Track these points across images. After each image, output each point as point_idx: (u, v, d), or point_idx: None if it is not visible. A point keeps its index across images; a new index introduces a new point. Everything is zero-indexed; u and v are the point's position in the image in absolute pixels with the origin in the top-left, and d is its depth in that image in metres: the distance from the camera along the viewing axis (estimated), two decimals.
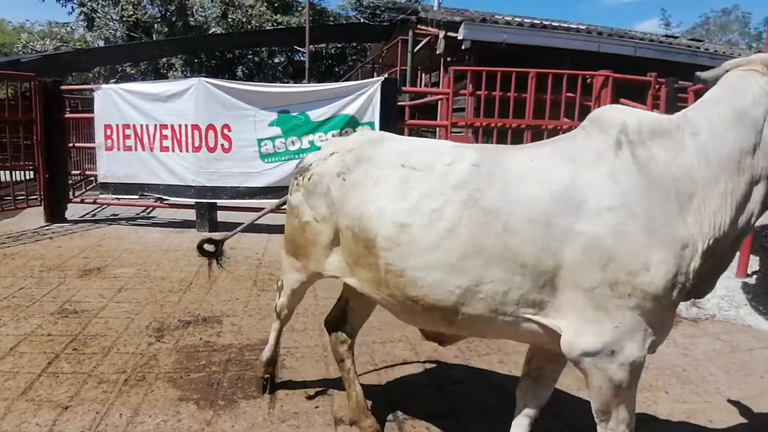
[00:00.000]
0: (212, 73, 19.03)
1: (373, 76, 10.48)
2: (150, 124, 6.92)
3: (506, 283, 1.72)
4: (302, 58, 20.52)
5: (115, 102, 7.03)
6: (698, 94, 6.08)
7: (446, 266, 1.79)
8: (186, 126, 6.72)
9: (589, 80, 6.94)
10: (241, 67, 23.45)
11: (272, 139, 6.54)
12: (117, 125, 7.07)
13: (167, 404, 2.62)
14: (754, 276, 4.58)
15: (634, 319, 1.60)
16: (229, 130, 6.63)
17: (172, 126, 6.82)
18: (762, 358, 3.52)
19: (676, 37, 14.36)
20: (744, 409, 2.80)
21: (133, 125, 6.99)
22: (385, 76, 6.51)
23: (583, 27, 10.40)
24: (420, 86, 11.95)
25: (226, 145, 6.66)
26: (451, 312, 1.83)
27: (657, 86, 6.86)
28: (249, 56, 23.67)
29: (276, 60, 25.47)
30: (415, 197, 1.88)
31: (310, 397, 2.71)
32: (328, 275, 2.29)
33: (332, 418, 2.54)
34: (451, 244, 1.77)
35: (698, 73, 1.93)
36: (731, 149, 1.65)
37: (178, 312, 3.93)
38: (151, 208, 8.27)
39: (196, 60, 21.68)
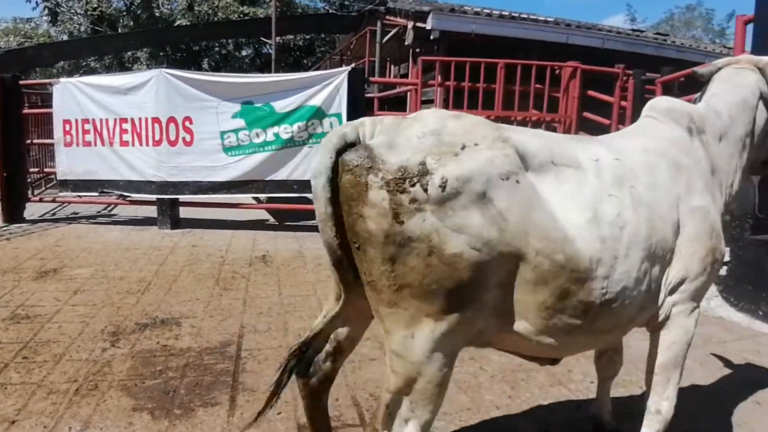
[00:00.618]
0: (178, 66, 18.56)
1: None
2: (110, 118, 6.69)
3: (657, 274, 1.76)
4: (270, 50, 20.16)
5: (74, 96, 6.78)
6: (665, 86, 6.09)
7: (636, 276, 1.66)
8: (146, 119, 6.50)
9: (557, 71, 6.93)
10: (207, 59, 22.94)
11: (236, 131, 6.36)
12: (76, 120, 6.84)
13: (120, 415, 2.47)
14: (725, 268, 4.60)
15: (714, 277, 1.92)
16: (191, 123, 6.43)
17: (132, 119, 6.61)
18: (735, 350, 3.50)
19: (643, 31, 14.52)
20: (721, 403, 2.78)
21: (93, 119, 6.76)
22: (352, 66, 6.36)
23: (551, 19, 10.42)
24: (389, 78, 11.82)
25: (188, 138, 6.46)
26: (627, 324, 1.78)
27: (625, 78, 6.89)
28: (215, 48, 23.16)
29: (243, 52, 25.02)
30: (591, 202, 1.61)
31: (273, 405, 2.58)
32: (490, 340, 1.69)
33: (295, 425, 2.43)
34: (637, 251, 1.65)
35: (695, 69, 2.32)
36: (742, 131, 2.06)
37: (136, 314, 3.75)
38: (112, 206, 8.00)
39: (161, 53, 21.12)
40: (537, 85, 6.70)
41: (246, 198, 7.14)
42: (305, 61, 23.75)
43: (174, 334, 3.41)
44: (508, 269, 1.49)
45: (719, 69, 2.23)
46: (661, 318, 1.84)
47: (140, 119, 6.52)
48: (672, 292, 1.80)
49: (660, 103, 2.06)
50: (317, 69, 17.94)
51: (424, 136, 1.46)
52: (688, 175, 1.84)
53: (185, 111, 6.39)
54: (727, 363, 3.29)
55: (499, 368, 2.98)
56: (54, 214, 7.56)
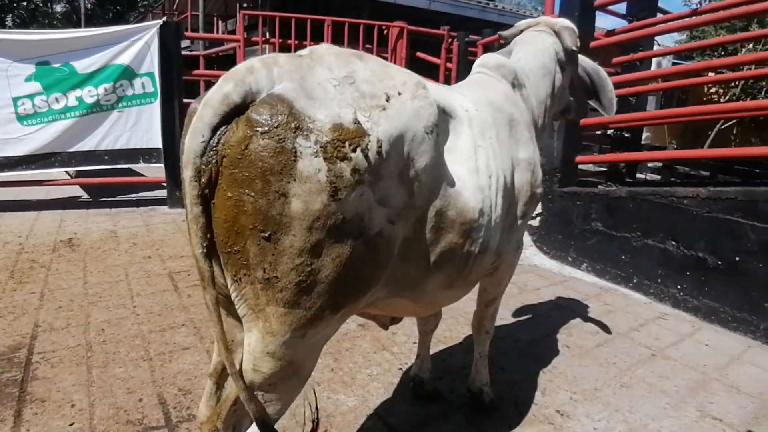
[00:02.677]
0: None
1: None
2: None
3: (506, 221, 1.83)
4: (87, 4, 17.87)
5: None
6: (487, 48, 6.31)
7: (499, 223, 1.73)
8: None
9: (385, 31, 6.90)
10: (11, 15, 19.71)
11: (31, 96, 5.46)
12: None
13: None
14: (538, 218, 4.98)
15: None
16: None
17: None
18: (548, 295, 3.81)
19: None
20: (534, 350, 2.97)
21: None
22: (163, 20, 5.74)
23: None
24: (217, 34, 11.03)
25: None
26: (487, 270, 1.88)
27: (450, 40, 7.07)
28: (22, 3, 19.97)
29: (56, 7, 21.91)
30: (467, 152, 1.58)
31: (65, 415, 2.25)
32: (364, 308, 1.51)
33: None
34: (500, 199, 1.70)
35: (501, 32, 2.45)
36: (544, 93, 2.18)
37: None
38: None
39: None
40: (366, 45, 6.63)
41: (59, 173, 6.24)
42: (127, 17, 21.44)
43: None
44: (407, 235, 1.35)
45: (521, 31, 2.36)
46: (496, 262, 1.94)
47: None
48: (506, 236, 1.89)
49: (490, 59, 2.11)
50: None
51: (339, 84, 1.19)
52: (517, 129, 1.92)
53: None
54: (539, 310, 3.56)
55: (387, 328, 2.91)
56: None
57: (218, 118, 1.09)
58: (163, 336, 2.91)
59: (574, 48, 2.23)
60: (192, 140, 1.09)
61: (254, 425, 1.27)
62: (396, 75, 1.33)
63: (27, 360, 2.67)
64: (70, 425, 2.19)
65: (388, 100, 1.25)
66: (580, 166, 4.91)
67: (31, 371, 2.56)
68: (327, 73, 1.20)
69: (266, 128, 1.07)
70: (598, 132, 6.37)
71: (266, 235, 1.10)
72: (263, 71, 1.14)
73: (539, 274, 4.36)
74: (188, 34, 7.29)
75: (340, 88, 1.19)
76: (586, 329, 3.27)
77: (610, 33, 4.95)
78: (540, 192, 2.02)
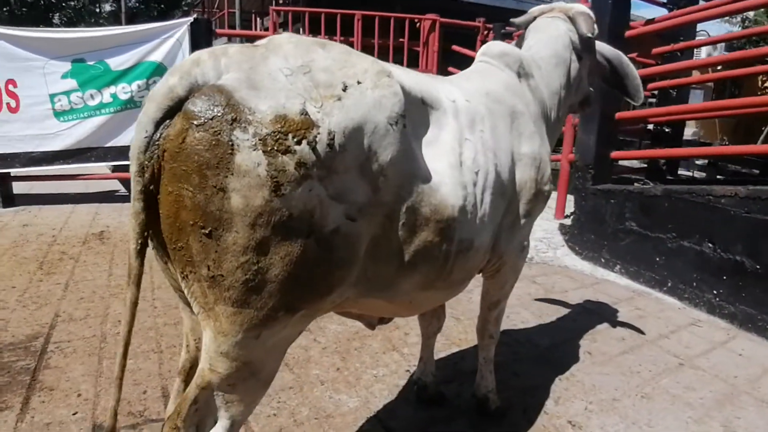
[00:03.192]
0: (24, 23, 16.37)
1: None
2: None
3: (499, 219, 1.74)
4: (132, 3, 18.37)
5: None
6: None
7: (487, 221, 1.62)
8: None
9: (417, 24, 6.79)
10: (58, 14, 20.51)
11: (67, 93, 5.63)
12: None
13: None
14: (570, 218, 4.80)
15: (536, 217, 2.02)
16: (15, 86, 5.59)
17: None
18: (575, 299, 3.63)
19: None
20: (552, 355, 2.83)
21: None
22: (194, 17, 5.82)
23: None
24: (256, 31, 11.15)
25: (13, 104, 5.62)
26: (474, 272, 1.77)
27: (486, 32, 6.91)
28: (69, 2, 20.75)
29: (103, 6, 22.65)
30: (450, 146, 1.49)
31: (70, 404, 2.28)
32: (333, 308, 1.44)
33: (90, 426, 2.15)
34: (488, 196, 1.60)
35: (513, 19, 2.30)
36: (557, 84, 2.06)
37: None
38: None
39: (5, 8, 18.50)
40: (400, 39, 6.56)
41: (99, 167, 6.42)
42: (172, 15, 21.99)
43: None
44: (375, 233, 1.28)
45: (534, 18, 2.23)
46: (496, 263, 1.88)
47: None
48: (507, 235, 1.82)
49: (493, 47, 2.00)
50: None
51: (292, 73, 1.13)
52: (520, 121, 1.81)
53: (7, 73, 5.53)
54: (564, 313, 3.40)
55: (334, 338, 2.86)
56: None
57: (161, 113, 1.06)
58: (176, 329, 2.93)
59: (590, 35, 2.09)
60: (136, 135, 1.07)
61: (218, 425, 1.23)
62: (358, 63, 1.25)
63: (42, 349, 2.74)
64: (74, 414, 2.22)
65: (345, 89, 1.17)
66: (620, 162, 4.69)
67: (45, 360, 2.61)
68: (281, 63, 1.14)
69: (201, 120, 1.02)
70: (640, 126, 6.10)
71: (207, 231, 1.05)
72: (210, 62, 1.10)
73: (569, 275, 4.19)
74: (219, 31, 7.37)
75: (292, 77, 1.12)
76: (612, 335, 3.10)
77: (650, 22, 4.70)
78: (548, 189, 1.90)
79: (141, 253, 1.13)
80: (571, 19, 2.14)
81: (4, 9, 18.62)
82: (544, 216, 5.35)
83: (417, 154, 1.36)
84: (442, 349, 2.78)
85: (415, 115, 1.38)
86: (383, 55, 6.50)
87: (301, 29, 6.38)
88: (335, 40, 6.12)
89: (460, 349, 2.83)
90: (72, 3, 20.71)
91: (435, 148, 1.44)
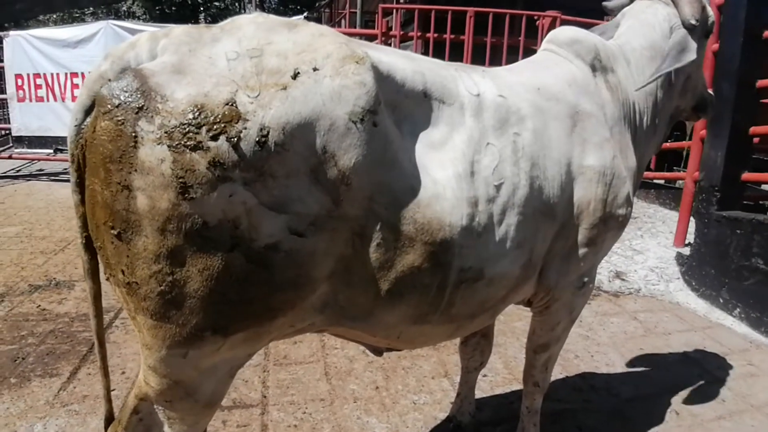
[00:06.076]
0: (173, 21, 18.05)
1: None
2: (60, 73, 6.50)
3: (539, 245, 1.41)
4: (272, 3, 19.47)
5: (25, 50, 6.56)
6: None
7: (510, 246, 1.30)
8: None
9: (537, 21, 6.35)
10: (203, 13, 22.38)
11: None
12: (28, 75, 6.63)
13: None
14: (689, 248, 4.12)
15: (608, 249, 1.72)
16: None
17: (83, 74, 6.40)
18: (678, 344, 3.06)
19: None
20: (634, 410, 2.40)
21: (44, 74, 6.56)
22: (304, 15, 5.92)
23: None
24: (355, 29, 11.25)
25: None
26: (496, 306, 1.45)
27: None
28: (215, 2, 22.57)
29: (247, 6, 24.36)
30: (461, 151, 1.23)
31: (112, 380, 2.35)
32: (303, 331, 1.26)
33: (121, 403, 2.18)
34: (513, 216, 1.29)
35: (605, 3, 1.99)
36: (653, 84, 1.70)
37: (36, 275, 3.59)
38: None
39: (156, 7, 20.58)
40: (518, 38, 6.17)
41: None
42: (306, 15, 23.17)
43: (60, 298, 3.23)
44: (343, 253, 1.08)
45: (631, 1, 1.89)
46: (545, 298, 1.59)
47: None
48: (558, 266, 1.51)
49: (562, 33, 1.67)
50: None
51: (238, 57, 0.98)
52: (585, 125, 1.48)
53: None
54: (659, 360, 2.88)
55: (385, 353, 2.66)
56: (19, 171, 7.37)
57: (90, 100, 0.95)
58: None
59: (693, 21, 1.67)
60: (70, 123, 0.98)
61: None
62: (322, 47, 1.05)
63: (109, 323, 2.88)
64: (112, 390, 2.27)
65: (295, 76, 0.98)
66: (754, 186, 3.98)
67: (107, 334, 2.72)
68: (231, 46, 0.99)
69: (107, 108, 0.90)
70: None
71: (116, 232, 0.95)
72: (147, 45, 0.98)
73: (679, 314, 3.54)
74: (338, 29, 7.46)
75: (234, 62, 0.97)
76: (711, 394, 2.55)
77: None
78: (623, 213, 1.53)
79: (89, 247, 1.06)
80: (674, 3, 1.76)
81: (156, 8, 20.68)
82: (662, 242, 4.66)
83: (400, 159, 1.11)
84: (501, 383, 2.48)
85: (410, 111, 1.16)
86: (496, 55, 6.16)
87: (398, 27, 6.24)
88: (444, 38, 5.90)
89: (521, 388, 2.50)
90: (216, 3, 22.43)
91: (440, 152, 1.19)
